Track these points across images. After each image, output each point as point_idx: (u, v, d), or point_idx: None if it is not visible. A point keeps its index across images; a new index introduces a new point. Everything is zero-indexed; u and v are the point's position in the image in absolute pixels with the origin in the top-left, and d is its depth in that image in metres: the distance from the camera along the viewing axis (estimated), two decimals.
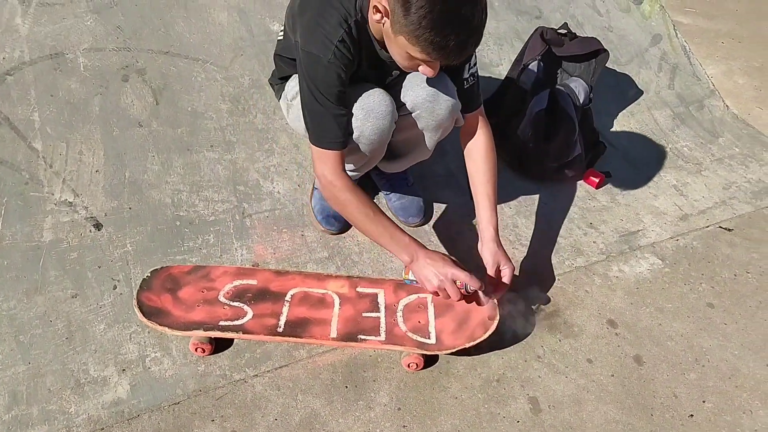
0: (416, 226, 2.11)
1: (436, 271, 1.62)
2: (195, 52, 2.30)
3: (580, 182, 2.36)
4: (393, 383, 1.64)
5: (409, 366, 1.67)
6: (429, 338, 1.67)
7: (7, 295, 1.69)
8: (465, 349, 1.64)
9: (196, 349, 1.65)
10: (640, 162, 2.44)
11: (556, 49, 2.41)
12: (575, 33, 2.46)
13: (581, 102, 2.35)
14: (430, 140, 1.84)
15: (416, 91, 1.72)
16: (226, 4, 2.40)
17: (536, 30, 2.46)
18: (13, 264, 1.75)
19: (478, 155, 1.79)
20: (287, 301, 1.74)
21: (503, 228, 2.15)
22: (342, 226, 2.06)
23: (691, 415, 1.62)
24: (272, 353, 1.68)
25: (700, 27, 3.26)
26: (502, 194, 2.27)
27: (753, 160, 2.49)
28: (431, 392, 1.63)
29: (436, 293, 1.66)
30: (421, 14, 1.32)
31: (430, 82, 1.70)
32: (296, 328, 1.67)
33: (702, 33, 3.21)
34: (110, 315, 1.71)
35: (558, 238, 2.15)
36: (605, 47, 2.46)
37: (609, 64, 2.57)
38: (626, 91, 2.66)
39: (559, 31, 2.47)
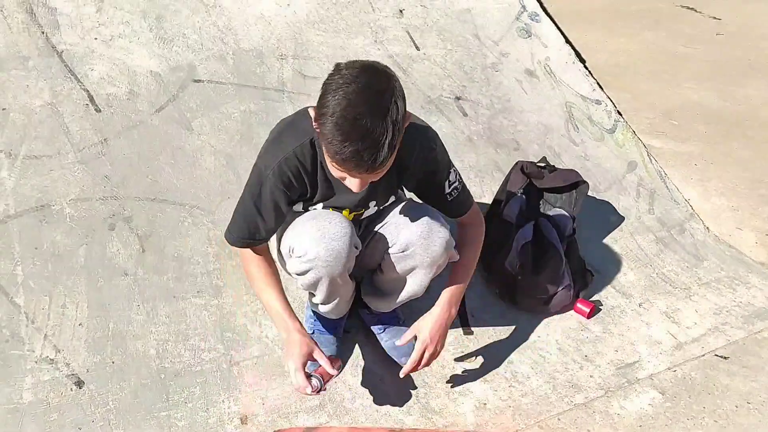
0: None
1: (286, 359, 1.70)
2: (182, 198, 2.32)
3: (572, 312, 2.34)
4: None
5: None
6: None
7: None
8: None
9: None
10: (628, 289, 2.45)
11: (537, 181, 2.46)
12: (554, 165, 2.53)
13: (566, 232, 2.38)
14: (425, 278, 1.84)
15: (410, 228, 1.75)
16: (213, 149, 2.45)
17: (516, 164, 2.52)
18: None
19: (464, 235, 1.91)
20: None
21: (498, 364, 2.11)
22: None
23: None
24: None
25: (673, 150, 3.37)
26: (496, 327, 2.24)
27: (739, 283, 2.51)
28: None
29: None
30: (325, 120, 1.39)
31: (424, 219, 1.75)
32: None
33: (675, 156, 3.31)
34: None
35: (554, 374, 2.10)
36: (584, 176, 2.52)
37: (589, 192, 2.62)
38: (608, 218, 2.71)
39: (538, 164, 2.54)
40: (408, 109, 1.49)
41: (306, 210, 1.81)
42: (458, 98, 2.96)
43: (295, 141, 1.63)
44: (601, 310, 2.36)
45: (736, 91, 4.04)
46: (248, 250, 1.77)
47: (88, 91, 2.46)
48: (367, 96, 1.38)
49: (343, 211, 1.80)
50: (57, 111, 2.37)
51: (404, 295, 1.94)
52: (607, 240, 2.62)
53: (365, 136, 1.37)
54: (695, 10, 5.36)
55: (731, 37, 4.80)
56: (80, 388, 1.83)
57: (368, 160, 1.39)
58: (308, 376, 1.65)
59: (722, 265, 2.59)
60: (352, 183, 1.50)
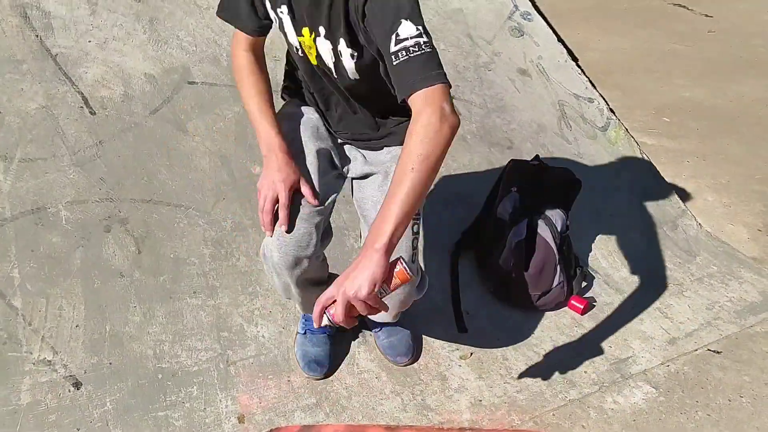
0: (405, 365, 2.07)
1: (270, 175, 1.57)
2: (177, 199, 2.33)
3: (566, 309, 2.36)
4: None
5: None
6: None
7: None
8: None
9: None
10: (622, 285, 2.46)
11: (530, 179, 2.48)
12: (547, 164, 2.55)
13: (559, 230, 2.39)
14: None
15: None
16: (207, 150, 2.46)
17: (509, 162, 2.54)
18: None
19: (407, 140, 1.29)
20: None
21: (493, 361, 2.13)
22: (326, 370, 2.01)
23: None
24: None
25: (665, 147, 3.39)
26: (491, 325, 2.26)
27: (732, 278, 2.53)
28: None
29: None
30: None
31: None
32: None
33: (667, 153, 3.34)
34: None
35: (549, 370, 2.11)
36: (577, 174, 2.54)
37: (582, 190, 2.64)
38: (601, 215, 2.72)
39: (531, 162, 2.56)
40: None
41: (275, 13, 1.57)
42: (452, 97, 2.97)
43: None
44: (594, 306, 2.37)
45: (728, 87, 4.06)
46: (240, 51, 1.65)
47: (82, 93, 2.47)
48: None
49: (303, 31, 1.52)
50: (52, 114, 2.38)
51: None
52: (600, 237, 2.64)
53: None
54: (687, 8, 5.39)
55: (723, 35, 4.84)
56: (78, 390, 1.84)
57: None
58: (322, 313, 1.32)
59: (714, 260, 2.61)
60: None
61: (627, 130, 3.30)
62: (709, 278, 2.53)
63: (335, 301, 1.27)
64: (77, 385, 1.85)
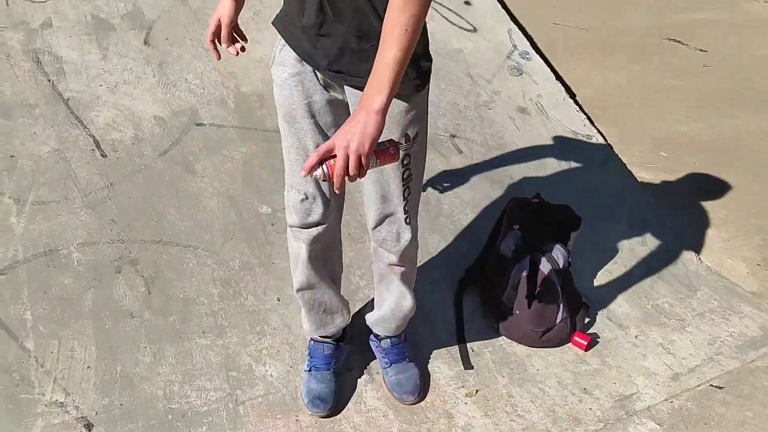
0: (412, 404, 2.10)
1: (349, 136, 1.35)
2: (186, 239, 2.37)
3: (569, 345, 2.39)
4: None
5: None
6: None
7: None
8: None
9: None
10: (624, 321, 2.50)
11: (532, 216, 2.53)
12: (548, 201, 2.60)
13: (561, 266, 2.43)
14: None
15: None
16: (215, 191, 2.52)
17: (511, 200, 2.59)
18: None
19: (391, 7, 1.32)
20: None
21: (498, 399, 2.15)
22: (329, 408, 2.04)
23: None
24: None
25: (663, 181, 3.45)
26: (495, 361, 2.29)
27: (732, 313, 2.56)
28: None
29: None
30: None
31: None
32: None
33: (665, 187, 3.39)
34: None
35: (554, 407, 2.14)
36: (577, 209, 2.59)
37: (583, 225, 2.68)
38: (602, 250, 2.77)
39: (532, 199, 2.61)
40: None
41: None
42: (453, 136, 3.04)
43: None
44: (598, 342, 2.40)
45: (723, 122, 4.13)
46: None
47: (94, 136, 2.53)
48: None
49: None
50: (64, 157, 2.44)
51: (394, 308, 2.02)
52: (601, 272, 2.68)
53: None
54: (682, 43, 5.49)
55: (718, 69, 4.92)
56: (90, 431, 1.86)
57: None
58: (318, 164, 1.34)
59: (714, 295, 2.65)
60: None
61: (625, 165, 3.36)
62: (710, 313, 2.56)
63: (334, 156, 1.32)
64: (89, 426, 1.87)
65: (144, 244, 2.31)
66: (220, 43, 1.75)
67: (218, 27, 1.73)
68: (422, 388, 2.13)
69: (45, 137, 2.48)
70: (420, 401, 2.11)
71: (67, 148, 2.47)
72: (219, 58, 1.80)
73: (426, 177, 2.79)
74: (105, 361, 2.02)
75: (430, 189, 2.78)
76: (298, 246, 1.85)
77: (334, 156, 1.33)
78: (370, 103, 1.32)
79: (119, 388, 1.97)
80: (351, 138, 1.31)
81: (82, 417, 1.88)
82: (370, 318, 2.14)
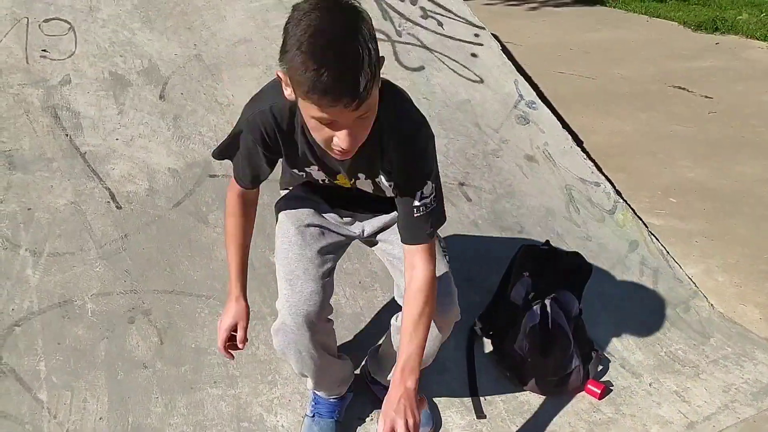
0: None
1: (222, 322, 1.84)
2: (199, 289, 2.40)
3: (583, 393, 2.37)
4: None
5: None
6: None
7: None
8: None
9: None
10: (638, 369, 2.48)
11: (541, 264, 2.54)
12: (557, 248, 2.61)
13: (573, 314, 2.43)
14: (437, 343, 1.87)
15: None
16: None
17: (521, 247, 2.61)
18: None
19: (410, 295, 1.65)
20: None
21: None
22: None
23: None
24: None
25: (673, 227, 3.46)
26: (508, 410, 2.27)
27: (746, 360, 2.53)
28: None
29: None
30: (293, 56, 1.24)
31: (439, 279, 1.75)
32: None
33: (675, 233, 3.40)
34: None
35: None
36: (586, 257, 2.60)
37: (593, 273, 2.69)
38: (613, 298, 2.76)
39: (542, 246, 2.62)
40: None
41: (300, 171, 1.74)
42: (462, 184, 3.07)
43: (273, 99, 1.53)
44: (612, 390, 2.38)
45: (730, 168, 4.16)
46: (233, 191, 1.81)
47: (109, 189, 2.59)
48: (333, 17, 1.25)
49: (339, 177, 1.71)
50: (80, 209, 2.49)
51: None
52: (613, 320, 2.67)
53: (341, 57, 1.22)
54: (687, 90, 5.58)
55: (723, 115, 4.98)
56: None
57: (351, 81, 1.23)
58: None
59: (728, 341, 2.63)
60: (341, 136, 1.34)
61: (634, 211, 3.38)
62: (724, 360, 2.54)
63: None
64: None
65: (157, 294, 2.34)
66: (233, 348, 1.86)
67: (231, 334, 1.83)
68: (434, 419, 2.12)
69: (62, 190, 2.53)
70: None
71: (83, 201, 2.52)
72: (233, 359, 1.94)
73: None
74: (117, 412, 2.02)
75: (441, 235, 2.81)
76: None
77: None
78: (404, 381, 1.60)
79: None
80: (407, 416, 1.56)
81: None
82: (378, 374, 2.15)
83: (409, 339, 1.63)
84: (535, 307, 2.41)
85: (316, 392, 2.08)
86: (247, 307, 1.87)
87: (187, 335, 2.26)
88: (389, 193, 1.70)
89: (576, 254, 2.59)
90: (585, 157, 3.53)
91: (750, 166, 4.14)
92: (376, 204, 1.86)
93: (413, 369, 1.62)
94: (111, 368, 2.12)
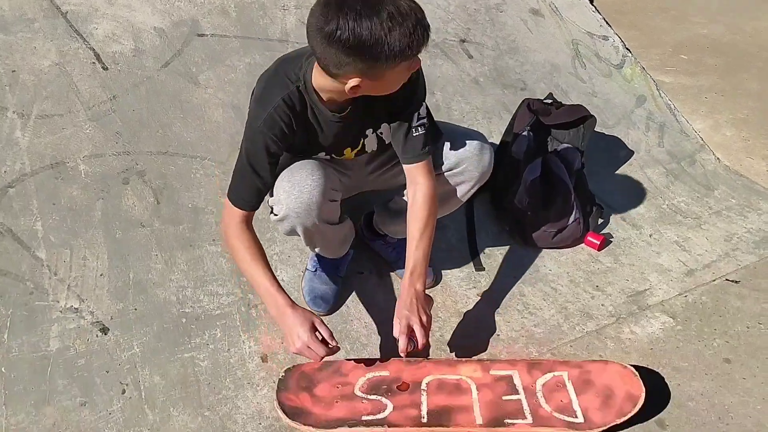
0: (432, 287, 2.12)
1: (299, 333, 1.62)
2: (193, 150, 2.35)
3: (582, 245, 2.36)
4: None
5: None
6: (576, 417, 1.65)
7: (15, 408, 1.68)
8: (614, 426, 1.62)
9: None
10: (639, 221, 2.46)
11: (543, 118, 2.46)
12: (561, 102, 2.53)
13: (574, 167, 2.39)
14: (469, 192, 1.94)
15: (459, 145, 1.85)
16: (220, 101, 2.48)
17: (523, 102, 2.52)
18: (20, 376, 1.74)
19: (414, 209, 1.79)
20: (424, 390, 1.73)
21: (510, 297, 2.15)
22: (330, 307, 2.07)
23: None
24: None
25: (683, 84, 3.34)
26: (507, 263, 2.28)
27: (751, 210, 2.51)
28: None
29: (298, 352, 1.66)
30: (359, 33, 1.37)
31: (471, 136, 1.88)
32: (440, 416, 1.65)
33: (685, 90, 3.29)
34: (120, 421, 1.70)
35: (566, 304, 2.13)
36: (592, 112, 2.52)
37: (597, 128, 2.62)
38: (617, 152, 2.71)
39: (545, 101, 2.54)
40: None
41: (310, 154, 1.81)
42: (463, 41, 2.94)
43: (280, 91, 1.62)
44: (611, 242, 2.38)
45: (745, 23, 3.97)
46: (234, 220, 1.71)
47: (94, 49, 2.49)
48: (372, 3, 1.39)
49: (345, 151, 1.82)
50: (65, 71, 2.40)
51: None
52: (617, 174, 2.63)
53: (402, 10, 1.39)
54: None
55: None
56: (105, 335, 1.89)
57: (425, 23, 1.43)
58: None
59: (733, 193, 2.59)
60: (414, 64, 1.53)
61: (643, 67, 3.26)
62: (727, 211, 2.51)
63: (412, 330, 1.70)
64: (104, 330, 1.90)
65: (150, 155, 2.30)
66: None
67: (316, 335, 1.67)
68: (433, 272, 2.16)
69: (45, 51, 2.44)
70: (435, 285, 2.14)
71: (67, 62, 2.43)
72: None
73: (436, 84, 2.73)
74: (117, 268, 2.03)
75: (439, 95, 2.71)
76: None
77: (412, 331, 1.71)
78: (414, 283, 1.76)
79: (132, 294, 1.99)
80: (420, 314, 1.72)
81: (97, 322, 1.91)
82: (388, 227, 2.15)
83: (415, 246, 1.78)
84: (536, 161, 2.37)
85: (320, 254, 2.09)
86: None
87: (183, 195, 2.24)
88: (388, 140, 1.82)
89: (578, 106, 2.51)
90: (594, 9, 3.35)
91: (766, 20, 3.95)
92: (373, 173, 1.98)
93: (421, 274, 1.78)
94: (108, 227, 2.11)
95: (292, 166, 1.73)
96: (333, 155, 1.83)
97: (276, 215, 1.76)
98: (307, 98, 1.64)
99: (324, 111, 1.66)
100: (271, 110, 1.61)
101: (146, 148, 2.31)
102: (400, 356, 1.73)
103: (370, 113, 1.73)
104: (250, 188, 1.69)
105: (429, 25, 1.44)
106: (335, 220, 1.87)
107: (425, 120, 1.75)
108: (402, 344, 1.70)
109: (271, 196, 1.77)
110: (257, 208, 1.72)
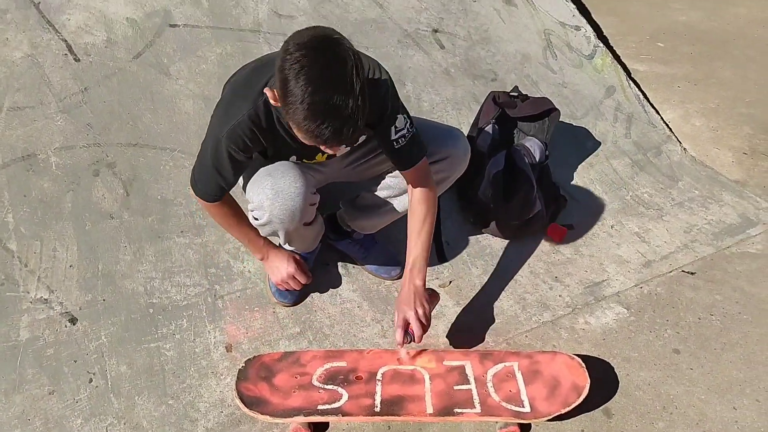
0: (398, 278, 2.19)
1: (285, 267, 1.98)
2: (163, 142, 2.39)
3: (544, 236, 2.42)
4: None
5: None
6: (523, 407, 1.71)
7: None
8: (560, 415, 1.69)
9: None
10: (601, 212, 2.51)
11: (509, 111, 2.50)
12: (527, 95, 2.57)
13: (538, 160, 2.43)
14: (444, 188, 2.06)
15: (442, 147, 1.96)
16: (191, 93, 2.51)
17: (489, 95, 2.56)
18: None
19: (413, 207, 1.89)
20: (379, 380, 1.80)
21: (471, 288, 2.21)
22: (295, 298, 2.13)
23: None
24: None
25: (657, 73, 3.37)
26: (470, 254, 2.33)
27: (712, 201, 2.56)
28: None
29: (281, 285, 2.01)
30: (296, 107, 1.41)
31: (450, 132, 2.00)
32: (393, 406, 1.72)
33: (658, 78, 3.32)
34: (86, 409, 1.76)
35: (525, 294, 2.19)
36: (560, 103, 2.56)
37: (566, 119, 2.66)
38: (584, 143, 2.75)
39: (511, 93, 2.57)
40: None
41: (280, 159, 1.86)
42: (435, 31, 2.96)
43: (246, 105, 1.65)
44: (572, 233, 2.43)
45: (724, 9, 3.99)
46: (205, 203, 1.87)
47: (66, 41, 2.51)
48: (331, 74, 1.40)
49: (317, 156, 1.87)
50: (37, 62, 2.43)
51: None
52: (582, 165, 2.68)
53: (339, 114, 1.41)
54: None
55: None
56: (74, 325, 1.95)
57: (348, 134, 1.45)
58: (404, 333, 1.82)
59: (696, 184, 2.64)
60: (329, 150, 1.57)
61: (619, 57, 3.28)
62: (689, 202, 2.57)
63: (408, 324, 1.81)
64: (73, 320, 1.96)
65: (120, 147, 2.33)
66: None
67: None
68: (402, 263, 2.20)
69: (17, 42, 2.46)
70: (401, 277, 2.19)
71: (39, 53, 2.45)
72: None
73: (407, 75, 2.76)
74: (86, 260, 2.08)
75: (410, 87, 2.74)
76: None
77: (408, 324, 1.82)
78: (414, 278, 1.86)
79: (101, 284, 2.05)
80: (413, 311, 1.82)
81: (66, 312, 1.96)
82: (355, 223, 2.20)
83: (414, 243, 1.88)
84: (499, 154, 2.41)
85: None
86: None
87: (153, 187, 2.28)
88: (361, 140, 1.89)
89: (543, 99, 2.55)
90: None
91: (746, 7, 3.97)
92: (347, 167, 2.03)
93: (420, 269, 1.87)
94: (78, 219, 2.16)
95: (272, 170, 1.79)
96: (304, 160, 1.88)
97: (257, 220, 1.83)
98: (274, 111, 1.67)
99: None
100: (235, 124, 1.66)
101: (117, 139, 2.35)
102: (398, 348, 1.84)
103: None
104: (215, 185, 1.79)
105: (354, 135, 1.47)
106: (312, 219, 1.95)
107: (405, 130, 1.78)
108: (398, 337, 1.80)
109: (249, 199, 1.85)
110: (221, 200, 1.83)
